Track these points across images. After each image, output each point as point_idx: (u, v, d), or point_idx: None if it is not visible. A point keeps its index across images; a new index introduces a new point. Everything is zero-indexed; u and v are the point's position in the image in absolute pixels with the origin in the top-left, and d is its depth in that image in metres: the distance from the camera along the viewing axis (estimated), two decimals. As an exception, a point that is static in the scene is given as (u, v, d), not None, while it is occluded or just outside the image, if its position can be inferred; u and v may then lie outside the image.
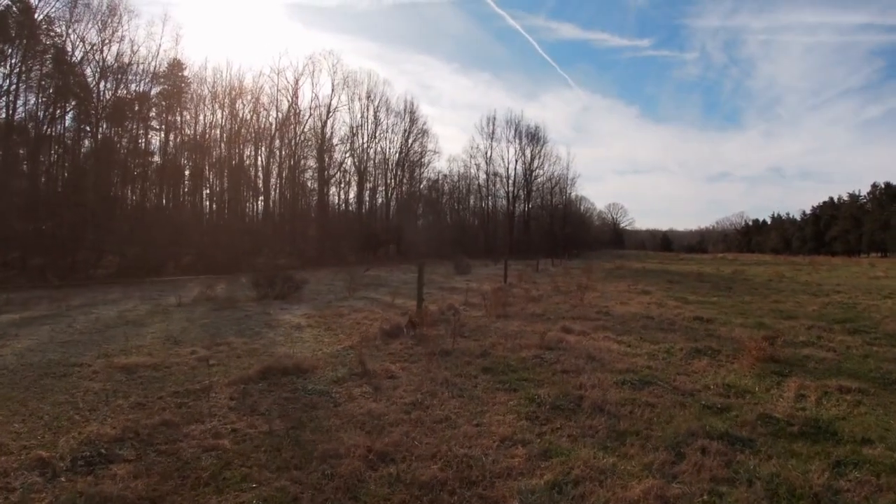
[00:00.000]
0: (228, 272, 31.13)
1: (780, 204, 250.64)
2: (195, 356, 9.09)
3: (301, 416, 6.00)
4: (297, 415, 6.07)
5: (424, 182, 71.82)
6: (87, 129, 40.05)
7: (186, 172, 47.51)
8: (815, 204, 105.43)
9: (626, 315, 13.87)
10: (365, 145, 60.55)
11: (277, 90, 52.48)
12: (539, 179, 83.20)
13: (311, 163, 56.10)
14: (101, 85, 39.39)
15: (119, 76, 40.19)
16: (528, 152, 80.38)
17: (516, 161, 79.85)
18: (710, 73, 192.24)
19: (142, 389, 7.10)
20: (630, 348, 9.90)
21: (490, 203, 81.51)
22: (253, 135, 50.86)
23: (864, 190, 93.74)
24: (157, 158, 45.50)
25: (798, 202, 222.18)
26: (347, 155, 59.14)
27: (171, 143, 46.19)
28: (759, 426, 5.80)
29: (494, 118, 78.90)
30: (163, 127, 45.45)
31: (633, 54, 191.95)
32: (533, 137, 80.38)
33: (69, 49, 37.31)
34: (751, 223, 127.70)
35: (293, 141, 53.00)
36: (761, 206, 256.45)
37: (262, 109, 51.57)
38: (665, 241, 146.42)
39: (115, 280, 28.89)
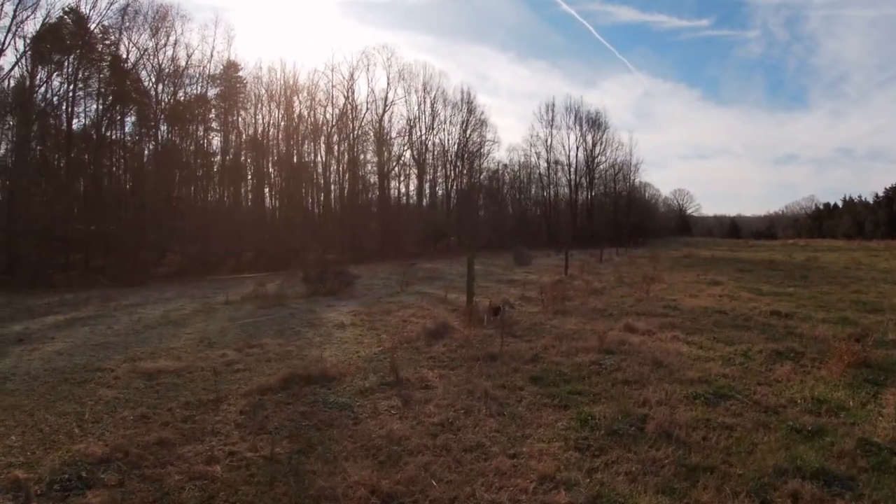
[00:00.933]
0: (286, 268, 30.83)
1: (851, 186, 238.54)
2: (224, 360, 8.51)
3: (312, 437, 5.25)
4: (307, 434, 5.33)
5: (484, 173, 70.76)
6: (148, 132, 40.94)
7: (249, 172, 48.21)
8: (888, 185, 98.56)
9: (695, 310, 12.69)
10: (423, 138, 60.03)
11: (333, 86, 52.26)
12: (601, 166, 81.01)
13: (370, 157, 56.02)
14: (159, 88, 40.18)
15: (176, 80, 40.94)
16: (589, 139, 78.24)
17: (577, 148, 77.87)
18: (772, 52, 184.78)
19: (155, 398, 6.54)
20: (702, 350, 8.81)
21: (552, 192, 79.59)
22: (311, 131, 50.88)
23: None
24: (217, 158, 46.40)
25: (870, 184, 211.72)
26: (406, 148, 58.82)
27: (231, 142, 46.91)
28: (860, 457, 4.74)
29: (553, 105, 77.10)
30: (222, 127, 46.21)
31: (693, 35, 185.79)
32: (594, 123, 78.20)
33: (123, 55, 38.24)
34: (821, 207, 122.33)
35: (351, 136, 52.77)
36: (831, 189, 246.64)
37: (318, 106, 51.61)
38: (733, 228, 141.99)
39: (174, 279, 29.10)
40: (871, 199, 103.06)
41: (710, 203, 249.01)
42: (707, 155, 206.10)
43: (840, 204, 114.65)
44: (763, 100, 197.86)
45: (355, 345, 9.77)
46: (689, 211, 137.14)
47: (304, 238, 42.21)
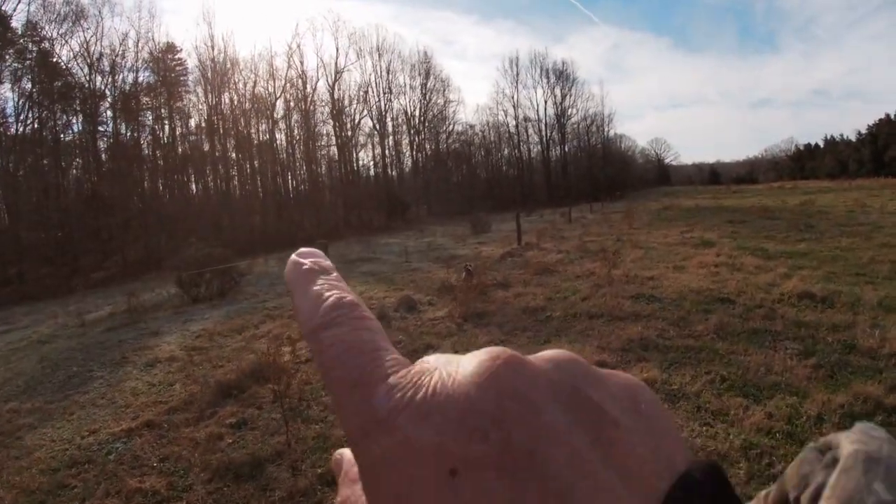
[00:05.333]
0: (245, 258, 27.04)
1: (829, 127, 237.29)
2: None
3: None
4: None
5: (453, 136, 66.49)
6: (95, 129, 37.88)
7: (207, 158, 44.17)
8: (871, 122, 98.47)
9: (683, 297, 8.26)
10: (381, 104, 55.74)
11: (288, 59, 48.76)
12: (573, 119, 77.47)
13: (327, 129, 52.10)
14: (97, 80, 37.21)
15: (114, 69, 37.80)
16: (557, 92, 74.38)
17: (546, 102, 73.99)
18: None
19: None
20: (707, 419, 4.52)
21: (525, 150, 75.80)
22: (262, 108, 46.71)
23: None
24: (165, 149, 42.37)
25: (848, 124, 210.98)
26: (364, 115, 54.33)
27: (183, 129, 43.68)
28: None
29: (518, 59, 73.08)
30: (169, 115, 42.38)
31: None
32: (561, 75, 74.24)
33: (55, 50, 35.48)
34: (802, 148, 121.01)
35: (304, 108, 48.33)
36: (809, 131, 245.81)
37: (270, 80, 47.63)
38: (713, 174, 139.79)
39: (108, 284, 26.19)
40: (853, 138, 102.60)
41: (688, 151, 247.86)
42: (682, 103, 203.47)
43: (821, 144, 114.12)
44: (734, 45, 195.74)
45: (116, 412, 5.98)
46: (667, 160, 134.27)
47: (269, 221, 40.42)
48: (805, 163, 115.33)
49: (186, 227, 34.38)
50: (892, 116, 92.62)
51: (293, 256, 0.35)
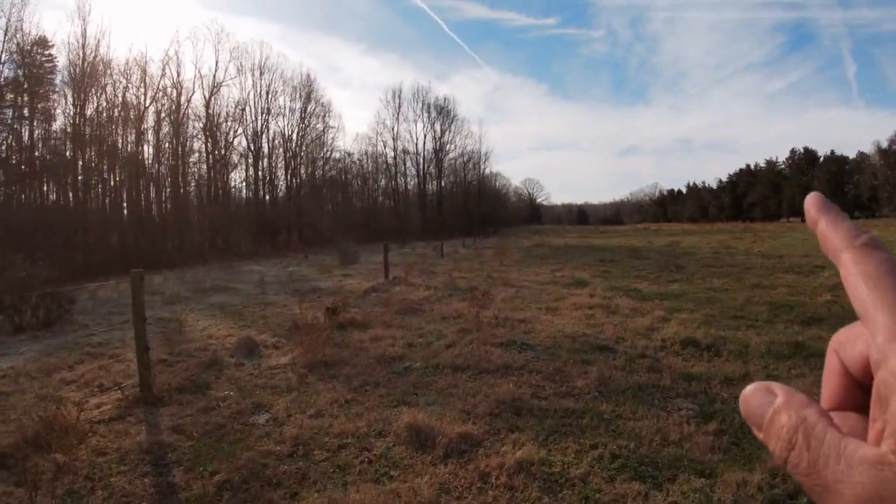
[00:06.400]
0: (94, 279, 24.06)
1: (690, 175, 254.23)
2: None
3: None
4: None
5: (330, 162, 64.81)
6: None
7: (71, 166, 39.21)
8: (731, 172, 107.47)
9: (558, 344, 7.41)
10: (258, 124, 53.27)
11: (163, 67, 44.90)
12: (451, 155, 78.14)
13: (199, 145, 48.53)
14: None
15: None
16: (437, 127, 74.84)
17: (425, 136, 74.13)
18: (616, 51, 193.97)
19: None
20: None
21: (402, 182, 75.43)
22: (132, 116, 42.70)
23: (782, 157, 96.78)
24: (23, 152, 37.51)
25: (707, 172, 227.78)
26: (239, 134, 51.58)
27: (46, 132, 38.75)
28: None
29: (400, 92, 73.19)
30: (32, 115, 37.41)
31: (541, 33, 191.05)
32: (442, 111, 74.73)
33: None
34: (665, 193, 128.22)
35: (176, 121, 44.93)
36: (672, 177, 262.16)
37: (142, 87, 43.63)
38: (582, 215, 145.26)
39: None
40: (714, 185, 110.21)
41: (559, 192, 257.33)
42: (555, 147, 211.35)
43: (684, 190, 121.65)
44: (607, 95, 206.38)
45: None
46: (538, 200, 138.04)
47: (128, 239, 37.31)
48: (668, 206, 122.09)
49: (35, 242, 31.06)
50: (752, 167, 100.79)
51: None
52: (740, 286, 12.82)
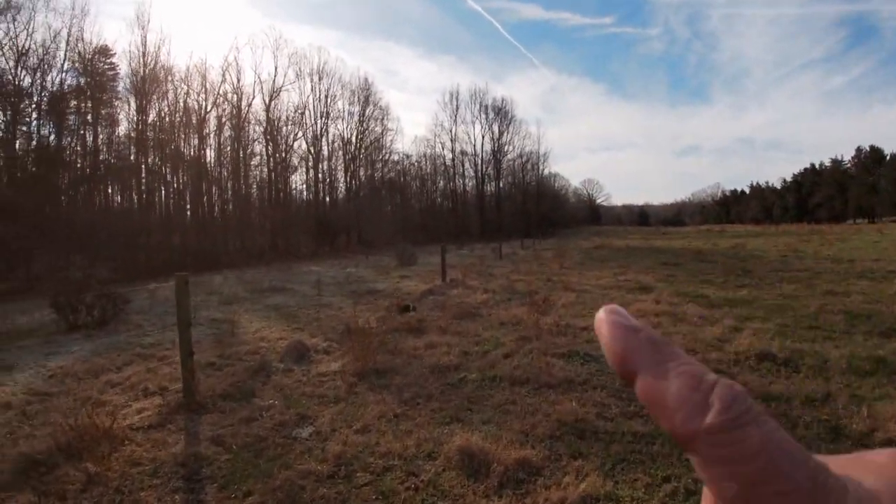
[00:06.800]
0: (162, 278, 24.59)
1: (752, 175, 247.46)
2: None
3: None
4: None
5: (388, 164, 65.08)
6: (18, 129, 34.10)
7: (134, 171, 40.77)
8: (795, 171, 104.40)
9: None
10: (318, 127, 53.99)
11: (223, 73, 46.24)
12: (509, 156, 77.86)
13: (259, 148, 49.77)
14: (23, 78, 33.62)
15: (43, 67, 34.27)
16: (495, 128, 74.54)
17: (483, 137, 74.01)
18: (674, 49, 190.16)
19: None
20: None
21: (460, 183, 75.24)
22: (196, 122, 43.75)
23: (847, 155, 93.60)
24: (90, 157, 39.01)
25: (769, 172, 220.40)
26: (299, 137, 52.34)
27: (109, 138, 39.94)
28: None
29: (458, 93, 73.12)
30: (96, 121, 38.72)
31: (596, 32, 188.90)
32: (499, 112, 74.41)
33: None
34: (728, 193, 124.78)
35: (237, 125, 46.02)
36: (732, 177, 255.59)
37: (202, 94, 44.69)
38: (642, 216, 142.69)
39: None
40: (777, 185, 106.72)
41: (618, 193, 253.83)
42: (613, 147, 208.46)
43: (747, 190, 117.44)
44: (666, 94, 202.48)
45: None
46: (598, 200, 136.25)
47: (190, 241, 37.55)
48: (731, 207, 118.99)
49: (97, 243, 31.81)
50: (817, 166, 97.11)
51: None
52: (812, 293, 11.99)
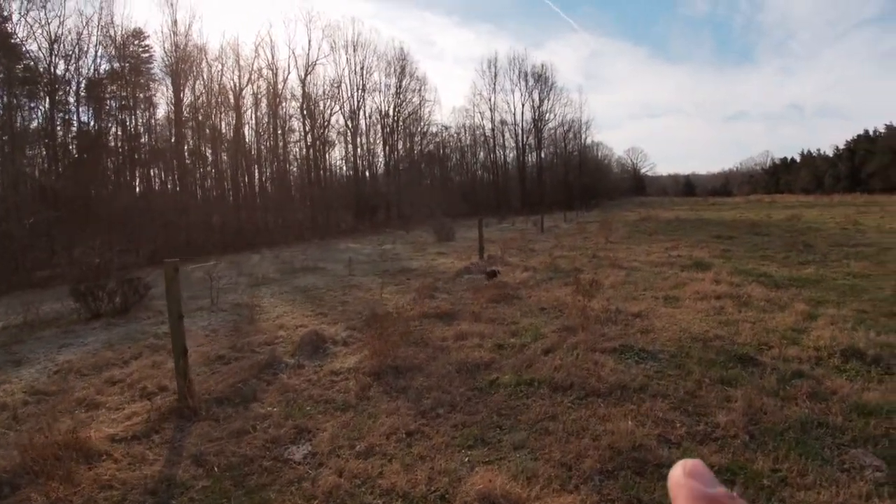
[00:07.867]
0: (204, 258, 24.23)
1: (803, 143, 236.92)
2: None
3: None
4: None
5: (427, 137, 63.93)
6: (62, 117, 34.66)
7: (175, 152, 40.48)
8: (848, 139, 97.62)
9: (686, 351, 5.92)
10: (354, 101, 52.80)
11: (256, 49, 45.81)
12: (550, 125, 75.04)
13: (297, 124, 48.79)
14: (58, 64, 33.44)
15: (78, 54, 34.17)
16: (535, 95, 71.96)
17: (523, 106, 71.55)
18: (719, 9, 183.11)
19: None
20: None
21: (500, 155, 73.38)
22: (232, 100, 43.24)
23: None
24: (131, 140, 39.13)
25: (821, 139, 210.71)
26: (336, 112, 51.47)
27: (147, 120, 39.83)
28: None
29: (496, 60, 70.92)
30: (133, 104, 38.70)
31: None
32: (539, 78, 71.87)
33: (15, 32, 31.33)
34: (778, 162, 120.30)
35: (273, 102, 45.36)
36: (783, 145, 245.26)
37: (236, 71, 44.01)
38: (689, 186, 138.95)
39: (45, 284, 22.06)
40: (829, 153, 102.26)
41: (663, 162, 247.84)
42: (658, 113, 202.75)
43: (797, 158, 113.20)
44: (711, 57, 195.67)
45: None
46: (643, 170, 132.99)
47: (230, 220, 37.22)
48: (781, 176, 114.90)
49: (141, 225, 31.70)
50: (871, 133, 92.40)
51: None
52: (884, 271, 10.79)
